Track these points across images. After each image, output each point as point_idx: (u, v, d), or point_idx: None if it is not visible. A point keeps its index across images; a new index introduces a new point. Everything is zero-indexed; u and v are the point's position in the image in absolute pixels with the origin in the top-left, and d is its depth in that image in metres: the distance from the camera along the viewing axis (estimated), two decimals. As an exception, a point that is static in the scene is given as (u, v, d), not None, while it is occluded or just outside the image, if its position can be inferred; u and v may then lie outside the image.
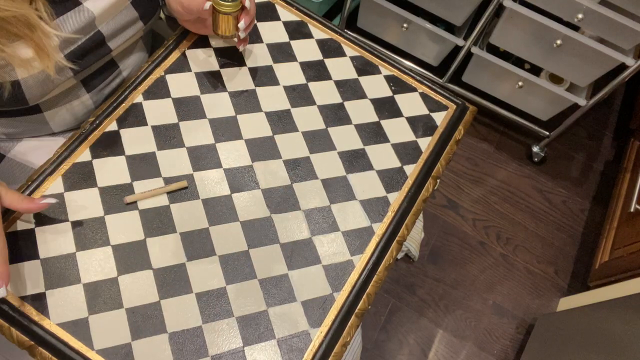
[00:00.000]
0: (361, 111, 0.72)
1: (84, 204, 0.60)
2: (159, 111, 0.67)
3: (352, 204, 0.65)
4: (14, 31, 0.51)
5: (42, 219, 0.58)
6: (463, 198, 1.52)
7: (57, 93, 0.63)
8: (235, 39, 0.65)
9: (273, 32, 0.77)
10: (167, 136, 0.66)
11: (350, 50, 0.77)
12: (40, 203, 0.54)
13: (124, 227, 0.59)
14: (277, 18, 0.78)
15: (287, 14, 0.79)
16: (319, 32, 0.78)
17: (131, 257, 0.58)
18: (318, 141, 0.69)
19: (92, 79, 0.67)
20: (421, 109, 0.74)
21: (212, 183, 0.64)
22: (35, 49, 0.53)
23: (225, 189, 0.64)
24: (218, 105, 0.69)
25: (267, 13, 0.78)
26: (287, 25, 0.78)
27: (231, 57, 0.73)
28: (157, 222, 0.60)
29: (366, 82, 0.75)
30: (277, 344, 0.56)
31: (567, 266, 1.46)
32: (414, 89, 0.76)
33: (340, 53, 0.77)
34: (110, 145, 0.64)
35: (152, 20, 0.69)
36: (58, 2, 0.56)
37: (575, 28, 1.24)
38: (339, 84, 0.74)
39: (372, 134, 0.71)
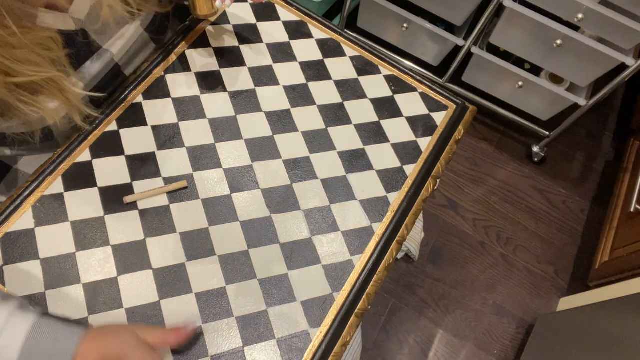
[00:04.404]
0: (361, 111, 0.72)
1: (84, 204, 0.60)
2: (159, 111, 0.67)
3: (352, 204, 0.65)
4: (41, 91, 0.53)
5: (42, 218, 0.58)
6: (463, 198, 1.52)
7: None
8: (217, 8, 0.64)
9: (273, 32, 0.77)
10: (167, 136, 0.66)
11: (350, 50, 0.77)
12: (187, 331, 0.53)
13: (124, 227, 0.59)
14: (277, 18, 0.78)
15: (287, 14, 0.79)
16: (318, 32, 0.78)
17: (131, 257, 0.58)
18: (318, 141, 0.69)
19: (105, 101, 0.68)
20: (421, 109, 0.74)
21: (212, 183, 0.64)
22: (62, 102, 0.56)
23: (225, 189, 0.64)
24: (218, 105, 0.69)
25: (267, 13, 0.78)
26: (287, 25, 0.78)
27: (231, 57, 0.73)
28: (157, 222, 0.60)
29: (366, 82, 0.75)
30: (277, 344, 0.56)
31: (567, 266, 1.46)
32: (414, 89, 0.76)
33: (340, 53, 0.77)
34: (110, 145, 0.64)
35: (163, 37, 0.70)
36: (80, 49, 0.59)
37: (575, 28, 1.24)
38: (339, 84, 0.74)
39: (372, 133, 0.71)
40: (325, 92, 0.73)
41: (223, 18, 0.76)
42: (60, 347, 0.46)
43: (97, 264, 0.57)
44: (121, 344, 0.48)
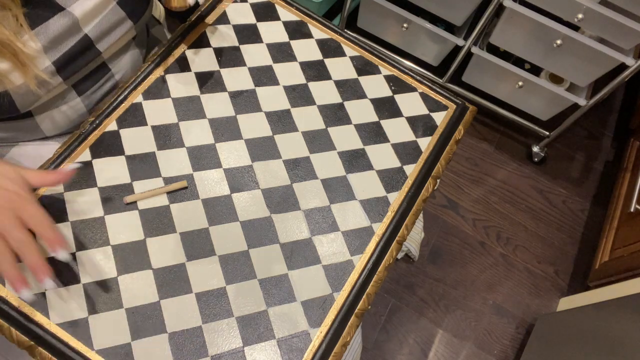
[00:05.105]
0: (361, 111, 0.72)
1: (84, 204, 0.60)
2: (159, 111, 0.67)
3: (352, 204, 0.65)
4: None
5: (42, 219, 0.58)
6: (463, 198, 1.52)
7: (48, 98, 0.63)
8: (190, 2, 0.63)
9: (273, 32, 0.77)
10: (167, 136, 0.66)
11: (350, 50, 0.77)
12: (66, 171, 0.53)
13: (124, 227, 0.59)
14: (277, 18, 0.78)
15: (287, 14, 0.79)
16: (318, 32, 0.78)
17: (131, 257, 0.58)
18: (318, 141, 0.69)
19: (83, 83, 0.66)
20: (421, 109, 0.74)
21: (212, 183, 0.64)
22: (15, 65, 0.53)
23: (225, 189, 0.64)
24: (218, 105, 0.69)
25: (267, 13, 0.78)
26: (287, 25, 0.78)
27: (231, 57, 0.73)
28: (157, 222, 0.60)
29: (366, 82, 0.75)
30: (277, 344, 0.56)
31: (567, 266, 1.46)
32: (414, 89, 0.76)
33: (340, 53, 0.77)
34: (110, 145, 0.64)
35: (143, 19, 0.68)
36: (39, 9, 0.56)
37: (575, 28, 1.24)
38: (339, 84, 0.74)
39: (372, 133, 0.71)
40: (325, 92, 0.73)
41: (223, 18, 0.76)
42: None
43: (97, 264, 0.57)
44: None
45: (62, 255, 0.50)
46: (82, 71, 0.64)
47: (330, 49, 0.77)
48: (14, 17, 0.52)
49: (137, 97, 0.68)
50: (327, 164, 0.67)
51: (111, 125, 0.65)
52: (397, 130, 0.72)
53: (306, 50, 0.76)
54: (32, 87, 0.56)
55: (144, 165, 0.63)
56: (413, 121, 0.73)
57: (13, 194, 0.49)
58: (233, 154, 0.66)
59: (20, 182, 0.51)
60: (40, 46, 0.56)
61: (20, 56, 0.53)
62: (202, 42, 0.74)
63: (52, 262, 0.56)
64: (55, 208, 0.59)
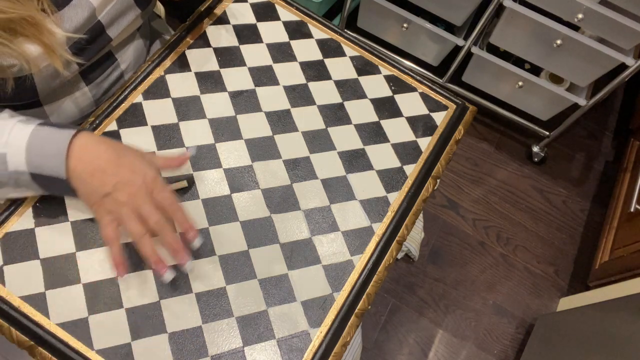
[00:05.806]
0: (361, 111, 0.72)
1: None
2: (159, 111, 0.67)
3: (352, 204, 0.65)
4: (20, 30, 0.52)
5: (42, 218, 0.58)
6: (463, 198, 1.52)
7: (58, 86, 0.63)
8: None
9: (273, 32, 0.77)
10: (167, 136, 0.66)
11: (350, 50, 0.77)
12: (186, 156, 0.59)
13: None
14: (277, 18, 0.78)
15: (287, 14, 0.79)
16: (318, 32, 0.78)
17: (131, 257, 0.58)
18: (318, 141, 0.69)
19: (91, 72, 0.67)
20: (421, 109, 0.74)
21: (212, 183, 0.64)
22: (42, 46, 0.54)
23: (225, 189, 0.64)
24: (218, 105, 0.69)
25: (267, 13, 0.78)
26: (287, 25, 0.78)
27: (231, 57, 0.73)
28: (157, 222, 0.60)
29: (366, 82, 0.75)
30: (277, 344, 0.56)
31: (567, 266, 1.46)
32: (414, 89, 0.76)
33: (340, 53, 0.77)
34: (110, 145, 0.64)
35: (149, 7, 0.68)
36: None
37: (575, 28, 1.24)
38: (339, 84, 0.74)
39: (372, 133, 0.71)
40: (325, 92, 0.73)
41: (223, 18, 0.76)
42: (53, 148, 0.51)
43: (97, 264, 0.57)
44: (127, 153, 0.54)
45: (197, 242, 0.54)
46: (92, 59, 0.65)
47: (330, 49, 0.77)
48: (42, 9, 0.53)
49: (137, 97, 0.68)
50: (327, 164, 0.67)
51: (111, 125, 0.65)
52: (397, 130, 0.72)
53: (306, 50, 0.76)
54: (60, 69, 0.57)
55: (144, 165, 0.63)
56: (413, 121, 0.73)
57: (150, 178, 0.53)
58: (233, 154, 0.66)
59: (154, 166, 0.55)
60: (61, 30, 0.57)
61: (49, 38, 0.54)
62: (202, 42, 0.74)
63: (52, 263, 0.56)
64: (55, 207, 0.59)
